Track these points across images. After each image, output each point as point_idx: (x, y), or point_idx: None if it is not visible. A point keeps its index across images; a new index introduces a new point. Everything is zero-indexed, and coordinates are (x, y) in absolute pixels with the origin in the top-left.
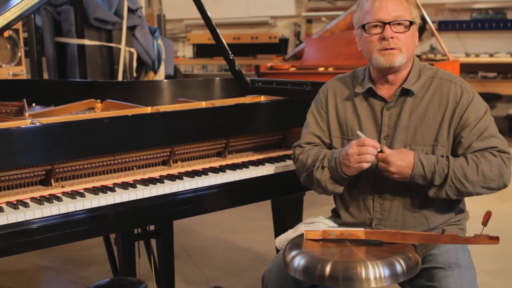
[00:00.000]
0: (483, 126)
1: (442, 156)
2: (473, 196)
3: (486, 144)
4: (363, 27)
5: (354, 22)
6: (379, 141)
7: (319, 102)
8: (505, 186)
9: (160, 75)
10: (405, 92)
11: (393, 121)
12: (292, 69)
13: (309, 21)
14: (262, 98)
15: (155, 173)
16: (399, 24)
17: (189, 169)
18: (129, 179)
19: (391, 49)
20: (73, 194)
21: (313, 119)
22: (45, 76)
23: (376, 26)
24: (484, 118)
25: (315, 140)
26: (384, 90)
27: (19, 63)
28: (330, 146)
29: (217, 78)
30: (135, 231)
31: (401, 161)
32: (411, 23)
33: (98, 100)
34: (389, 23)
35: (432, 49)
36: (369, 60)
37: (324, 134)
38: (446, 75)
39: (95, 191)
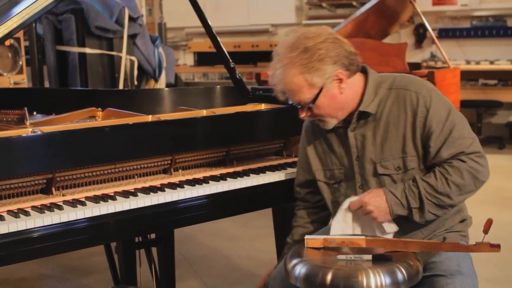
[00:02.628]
0: (447, 130)
1: (410, 180)
2: (458, 204)
3: (454, 150)
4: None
5: None
6: (352, 164)
7: (300, 143)
8: (484, 182)
9: (161, 83)
10: (363, 115)
11: (359, 142)
12: None
13: None
14: (263, 106)
15: (156, 181)
16: (302, 107)
17: (190, 177)
18: (130, 187)
19: (316, 120)
20: (74, 203)
21: (299, 160)
22: (46, 84)
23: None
24: (448, 121)
25: (302, 179)
26: (347, 116)
27: (20, 72)
28: (315, 181)
29: (218, 86)
30: (136, 239)
31: (375, 196)
32: (315, 98)
33: (99, 109)
34: (297, 105)
35: (433, 56)
36: None
37: (307, 174)
38: (402, 82)
39: (96, 199)
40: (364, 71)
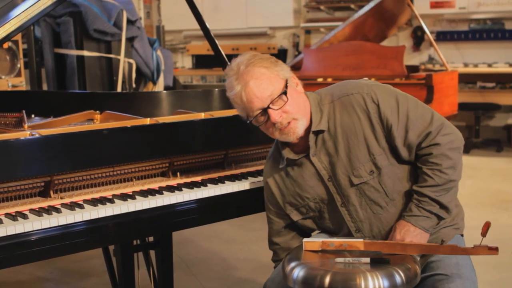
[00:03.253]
0: (404, 116)
1: (413, 199)
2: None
3: (419, 131)
4: (250, 122)
5: (240, 115)
6: (326, 186)
7: (264, 193)
8: (463, 143)
9: (159, 86)
10: (317, 134)
11: (326, 162)
12: None
13: (307, 32)
14: None
15: (154, 184)
16: (276, 100)
17: (188, 180)
18: (128, 190)
19: (288, 124)
20: (72, 206)
21: (268, 209)
22: (44, 87)
23: (260, 115)
24: (400, 107)
25: (279, 227)
26: (302, 145)
27: (18, 75)
28: (289, 225)
29: (216, 89)
30: (134, 242)
31: (405, 231)
32: (285, 91)
33: (97, 112)
34: (268, 107)
35: (431, 59)
36: (277, 139)
37: (283, 219)
38: (342, 91)
39: (94, 202)
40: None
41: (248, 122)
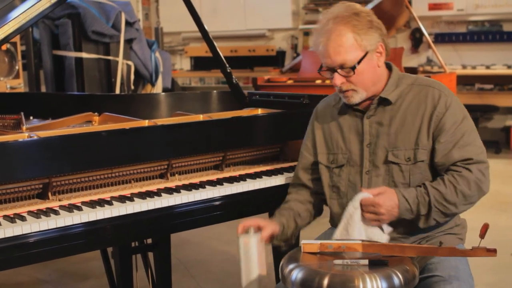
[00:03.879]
0: (459, 133)
1: (419, 186)
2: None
3: (464, 153)
4: (320, 66)
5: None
6: (362, 149)
7: (309, 125)
8: (485, 193)
9: (158, 88)
10: (383, 101)
11: (374, 129)
12: (290, 82)
13: (306, 33)
14: (260, 111)
15: (153, 186)
16: (344, 69)
17: (187, 182)
18: (126, 192)
19: (346, 91)
20: (70, 208)
21: (304, 142)
22: (43, 89)
23: (326, 70)
24: (462, 125)
25: (306, 162)
26: (364, 102)
27: (16, 76)
28: (313, 167)
29: (215, 91)
30: (133, 244)
31: (389, 200)
32: (359, 61)
33: (96, 113)
34: (335, 70)
35: (429, 61)
36: None
37: (312, 156)
38: (426, 81)
39: (93, 204)
40: (388, 67)
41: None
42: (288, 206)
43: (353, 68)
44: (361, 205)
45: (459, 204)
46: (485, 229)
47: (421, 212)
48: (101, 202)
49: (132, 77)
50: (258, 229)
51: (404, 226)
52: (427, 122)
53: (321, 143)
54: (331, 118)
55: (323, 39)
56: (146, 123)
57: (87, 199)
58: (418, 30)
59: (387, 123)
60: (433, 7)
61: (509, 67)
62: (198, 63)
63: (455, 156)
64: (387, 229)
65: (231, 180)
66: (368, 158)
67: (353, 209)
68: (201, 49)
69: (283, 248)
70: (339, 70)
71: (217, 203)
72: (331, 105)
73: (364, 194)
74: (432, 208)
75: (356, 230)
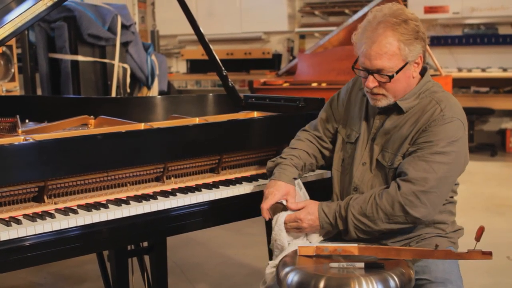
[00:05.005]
0: (428, 150)
1: (344, 201)
2: (385, 232)
3: (405, 167)
4: (354, 63)
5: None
6: (366, 143)
7: (340, 97)
8: (419, 219)
9: (154, 91)
10: (397, 107)
11: (380, 126)
12: (286, 85)
13: (302, 36)
14: (255, 114)
15: (149, 189)
16: (381, 75)
17: (183, 185)
18: (122, 195)
19: (375, 94)
20: (66, 211)
21: (331, 107)
22: (39, 92)
23: (361, 70)
24: (437, 147)
25: (320, 126)
26: None
27: (12, 79)
28: (332, 129)
29: (211, 94)
30: (129, 247)
31: (310, 214)
32: (398, 71)
33: (92, 116)
34: (372, 73)
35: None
36: None
37: (332, 125)
38: (440, 96)
39: (88, 207)
40: (422, 71)
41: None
42: (297, 154)
43: (391, 76)
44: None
45: (379, 221)
46: (480, 232)
47: (340, 227)
48: (97, 205)
49: (128, 80)
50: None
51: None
52: (414, 133)
53: (346, 114)
54: (359, 96)
55: (368, 41)
56: (142, 126)
57: (83, 202)
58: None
59: (389, 123)
60: (428, 10)
61: (504, 70)
62: (194, 66)
63: (401, 167)
64: (316, 238)
65: (227, 183)
66: (368, 151)
67: (279, 231)
68: (197, 52)
69: None
70: (375, 75)
71: (213, 206)
72: (360, 86)
73: (286, 213)
74: (349, 224)
75: (289, 246)
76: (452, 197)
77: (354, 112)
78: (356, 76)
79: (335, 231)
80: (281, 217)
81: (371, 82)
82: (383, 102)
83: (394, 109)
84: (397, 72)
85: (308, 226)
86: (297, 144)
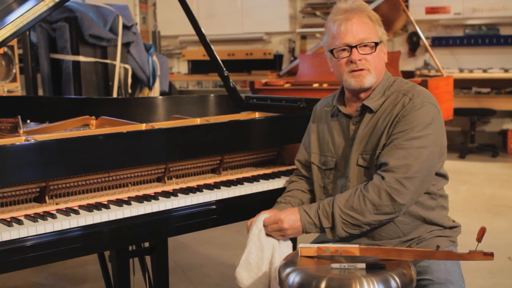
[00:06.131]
0: (404, 139)
1: (329, 197)
2: (373, 225)
3: (386, 158)
4: (331, 51)
5: (323, 46)
6: (348, 153)
7: (309, 124)
8: (404, 206)
9: (155, 91)
10: (366, 108)
11: (355, 134)
12: (287, 85)
13: (303, 37)
14: (257, 115)
15: (150, 190)
16: (365, 45)
17: (184, 186)
18: (123, 196)
19: (360, 70)
20: (67, 211)
21: (304, 138)
22: (40, 92)
23: (343, 49)
24: (413, 133)
25: (302, 158)
26: (354, 106)
27: (14, 80)
28: (310, 164)
29: (212, 95)
30: (130, 248)
31: (291, 214)
32: (377, 43)
33: (93, 117)
34: (355, 46)
35: (426, 65)
36: (341, 81)
37: (307, 154)
38: (406, 88)
39: (90, 208)
40: None
41: (328, 50)
42: (291, 194)
43: (376, 43)
44: (264, 225)
45: (367, 213)
46: (482, 232)
47: (325, 225)
48: (98, 206)
49: (130, 80)
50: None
51: (384, 230)
52: (388, 127)
53: (315, 144)
54: (325, 120)
55: (345, 17)
56: (143, 126)
57: (84, 202)
58: (415, 33)
59: (363, 127)
60: (430, 10)
61: (506, 70)
62: (196, 67)
63: (380, 159)
64: (287, 247)
65: (229, 183)
66: (350, 163)
67: (257, 231)
68: (198, 53)
69: None
70: (358, 48)
71: (214, 206)
72: (326, 107)
73: (266, 215)
74: (336, 219)
75: (268, 249)
76: (441, 189)
77: (324, 137)
78: (316, 105)
79: (315, 232)
80: (261, 217)
81: (357, 54)
82: (368, 79)
83: (364, 112)
84: (376, 44)
85: (289, 227)
86: (290, 186)
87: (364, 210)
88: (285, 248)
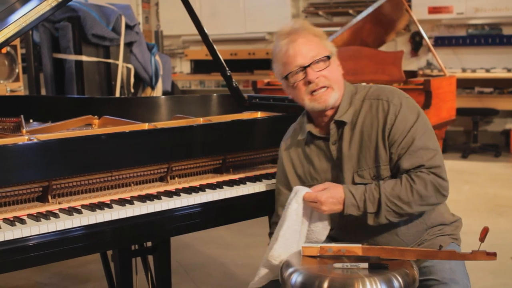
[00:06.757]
0: (410, 139)
1: (373, 183)
2: (414, 215)
3: (414, 160)
4: (286, 77)
5: (276, 74)
6: (336, 175)
7: (278, 161)
8: (445, 197)
9: (158, 91)
10: (339, 124)
11: (339, 153)
12: None
13: None
14: (259, 114)
15: (152, 189)
16: (318, 62)
17: (186, 185)
18: (126, 195)
19: (321, 88)
20: (70, 211)
21: (279, 178)
22: (43, 92)
23: (297, 72)
24: (412, 130)
25: (284, 199)
26: (325, 127)
27: (16, 79)
28: None
29: (214, 94)
30: (132, 247)
31: (332, 197)
32: (329, 56)
33: (96, 117)
34: (309, 66)
35: (429, 64)
36: (303, 106)
37: (287, 194)
38: (375, 93)
39: (92, 207)
40: None
41: (283, 77)
42: None
43: (328, 57)
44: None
45: (414, 203)
46: (485, 232)
47: (369, 210)
48: (101, 205)
49: (132, 80)
50: None
51: (387, 244)
52: (381, 136)
53: (293, 177)
54: (298, 151)
55: (290, 40)
56: (146, 126)
57: (87, 202)
58: (418, 33)
59: (347, 145)
60: (432, 10)
61: (509, 70)
62: (198, 66)
63: (405, 165)
64: (322, 227)
65: (231, 183)
66: (344, 183)
67: (296, 205)
68: (201, 52)
69: None
70: (312, 66)
71: (217, 206)
72: (296, 138)
73: (307, 189)
74: (382, 206)
75: (299, 227)
76: None
77: (303, 168)
78: (281, 143)
79: (355, 214)
80: (300, 192)
81: (312, 73)
82: (331, 97)
83: (339, 128)
84: (329, 58)
85: (329, 210)
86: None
87: (411, 201)
88: (322, 229)
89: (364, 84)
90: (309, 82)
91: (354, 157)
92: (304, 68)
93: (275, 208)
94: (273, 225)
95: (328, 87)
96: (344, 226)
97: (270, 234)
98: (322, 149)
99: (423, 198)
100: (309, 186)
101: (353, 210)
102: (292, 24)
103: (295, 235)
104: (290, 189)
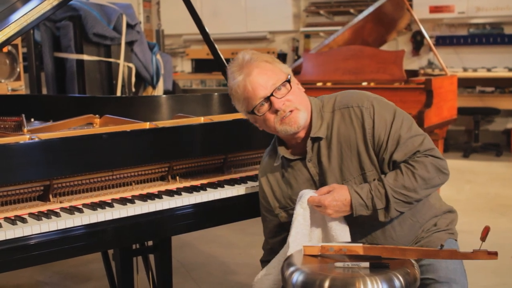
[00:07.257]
0: (396, 134)
1: (374, 179)
2: (421, 200)
3: (407, 149)
4: (252, 112)
5: (240, 111)
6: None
7: (259, 188)
8: (447, 176)
9: (159, 90)
10: (315, 140)
11: (318, 169)
12: None
13: (307, 36)
14: None
15: (154, 188)
16: (279, 89)
17: (188, 184)
18: (127, 194)
19: (290, 112)
20: (71, 210)
21: (262, 206)
22: (44, 91)
23: (262, 104)
24: (394, 125)
25: (272, 226)
26: (298, 148)
27: (18, 78)
28: (282, 224)
29: (216, 94)
30: (133, 246)
31: (336, 200)
32: (288, 80)
33: (97, 116)
34: (271, 95)
35: (430, 64)
36: (276, 133)
37: (274, 219)
38: (343, 101)
39: (94, 206)
40: None
41: (249, 112)
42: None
43: (288, 81)
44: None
45: (419, 188)
46: (486, 231)
47: (378, 207)
48: (102, 204)
49: (133, 79)
50: None
51: (380, 236)
52: (363, 145)
53: (274, 202)
54: (276, 175)
55: (245, 74)
56: (147, 125)
57: (88, 201)
58: (419, 32)
59: (326, 160)
60: (434, 9)
61: (510, 70)
62: (199, 66)
63: (399, 158)
64: (338, 227)
65: (232, 182)
66: None
67: (302, 210)
68: (202, 52)
69: None
70: (274, 94)
71: (218, 205)
72: (271, 164)
73: (311, 193)
74: (390, 200)
75: (315, 229)
76: None
77: (282, 193)
78: (260, 168)
79: (365, 214)
80: (305, 196)
81: (278, 101)
82: (300, 117)
83: (315, 143)
84: (288, 81)
85: (334, 212)
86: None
87: (416, 187)
88: (339, 231)
89: (328, 95)
90: (277, 110)
91: (336, 170)
92: (268, 98)
93: (264, 235)
94: (266, 251)
95: (294, 109)
96: None
97: (263, 262)
98: (300, 169)
99: (427, 181)
100: (291, 209)
101: (363, 210)
102: (241, 56)
103: (304, 238)
104: (274, 214)
